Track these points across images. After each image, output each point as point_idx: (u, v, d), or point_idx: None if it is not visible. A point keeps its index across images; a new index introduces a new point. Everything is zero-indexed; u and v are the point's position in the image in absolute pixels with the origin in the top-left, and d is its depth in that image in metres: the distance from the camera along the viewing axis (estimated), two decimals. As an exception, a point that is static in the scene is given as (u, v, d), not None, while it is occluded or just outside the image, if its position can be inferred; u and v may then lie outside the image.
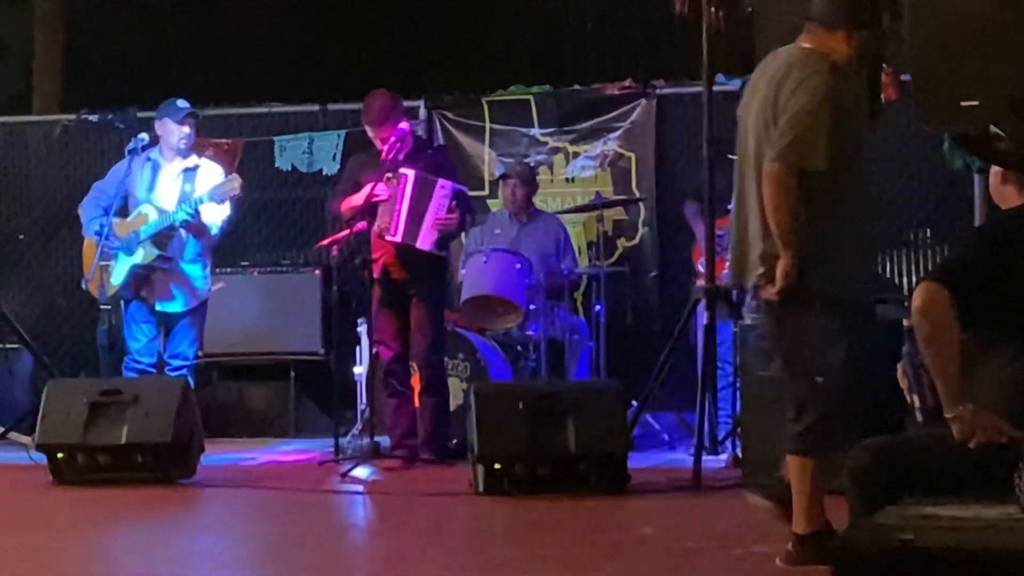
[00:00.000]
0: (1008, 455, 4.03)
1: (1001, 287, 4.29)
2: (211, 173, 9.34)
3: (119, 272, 9.19)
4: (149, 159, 9.33)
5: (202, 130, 11.68)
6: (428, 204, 8.71)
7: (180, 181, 9.26)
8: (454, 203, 8.77)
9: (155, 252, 9.15)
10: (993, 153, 4.56)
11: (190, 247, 9.25)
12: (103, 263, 9.15)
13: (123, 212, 9.31)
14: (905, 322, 4.38)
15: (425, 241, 8.71)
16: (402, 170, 8.77)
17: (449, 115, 11.41)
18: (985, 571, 3.43)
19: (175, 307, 9.27)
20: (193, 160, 9.40)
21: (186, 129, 9.33)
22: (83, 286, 9.55)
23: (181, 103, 9.36)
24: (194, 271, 9.31)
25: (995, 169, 4.57)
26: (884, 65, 8.35)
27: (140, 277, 9.21)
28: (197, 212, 9.03)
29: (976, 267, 4.34)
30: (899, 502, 4.10)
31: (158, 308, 9.26)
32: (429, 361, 8.90)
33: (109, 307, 9.30)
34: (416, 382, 8.97)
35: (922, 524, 3.77)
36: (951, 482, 4.21)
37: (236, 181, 9.06)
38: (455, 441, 8.89)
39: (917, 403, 4.41)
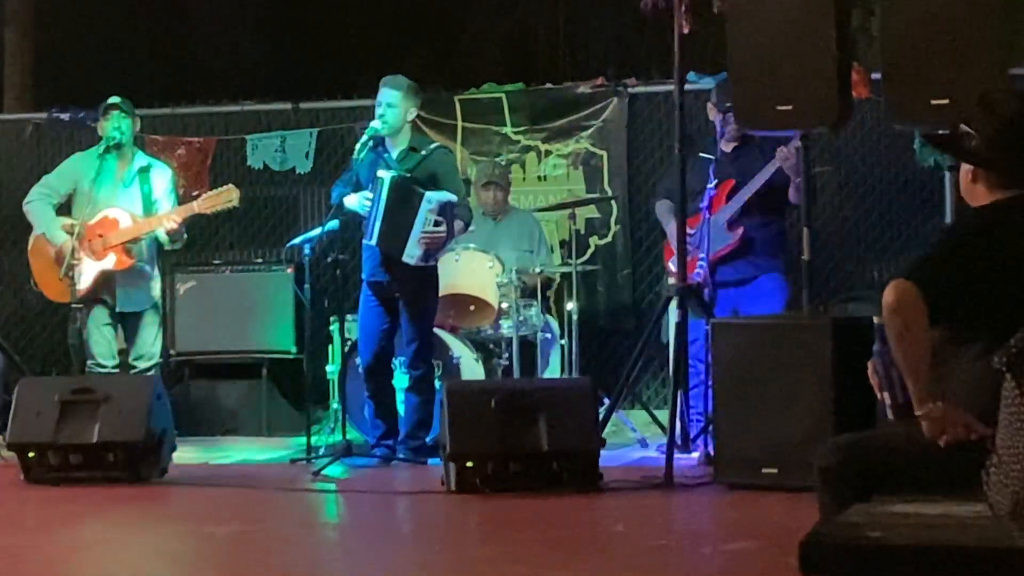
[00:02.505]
0: (977, 453, 4.04)
1: (970, 284, 4.30)
2: (162, 173, 9.38)
3: (87, 276, 9.17)
4: (100, 158, 9.29)
5: (174, 128, 11.72)
6: (413, 217, 8.65)
7: (137, 183, 9.25)
8: (441, 215, 8.72)
9: (128, 259, 9.15)
10: (963, 151, 4.55)
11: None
12: (73, 262, 9.14)
13: (64, 209, 9.34)
14: (875, 319, 4.37)
15: (410, 256, 8.66)
16: (379, 173, 8.74)
17: (421, 113, 11.36)
18: (953, 569, 3.44)
19: (135, 306, 9.27)
20: (143, 159, 9.39)
21: (110, 123, 9.28)
22: (33, 286, 9.55)
23: (112, 99, 9.34)
24: (149, 270, 9.34)
25: (965, 168, 4.57)
26: (855, 63, 8.39)
27: (103, 281, 9.20)
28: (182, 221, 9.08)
29: (947, 264, 4.35)
30: (868, 500, 4.12)
31: (119, 309, 9.25)
32: (414, 363, 8.89)
33: (80, 306, 9.29)
34: (399, 381, 8.99)
35: (891, 522, 3.78)
36: (921, 480, 4.22)
37: (234, 193, 9.06)
38: (429, 439, 8.89)
39: (887, 400, 4.42)
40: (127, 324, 9.39)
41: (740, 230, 8.93)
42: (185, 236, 9.32)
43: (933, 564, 3.45)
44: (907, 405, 4.33)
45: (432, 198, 8.66)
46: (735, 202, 8.95)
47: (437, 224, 8.67)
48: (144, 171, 9.30)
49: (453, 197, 8.79)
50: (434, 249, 8.77)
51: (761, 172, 8.82)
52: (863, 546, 3.52)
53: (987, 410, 4.04)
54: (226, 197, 9.05)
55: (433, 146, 9.22)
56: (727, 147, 9.09)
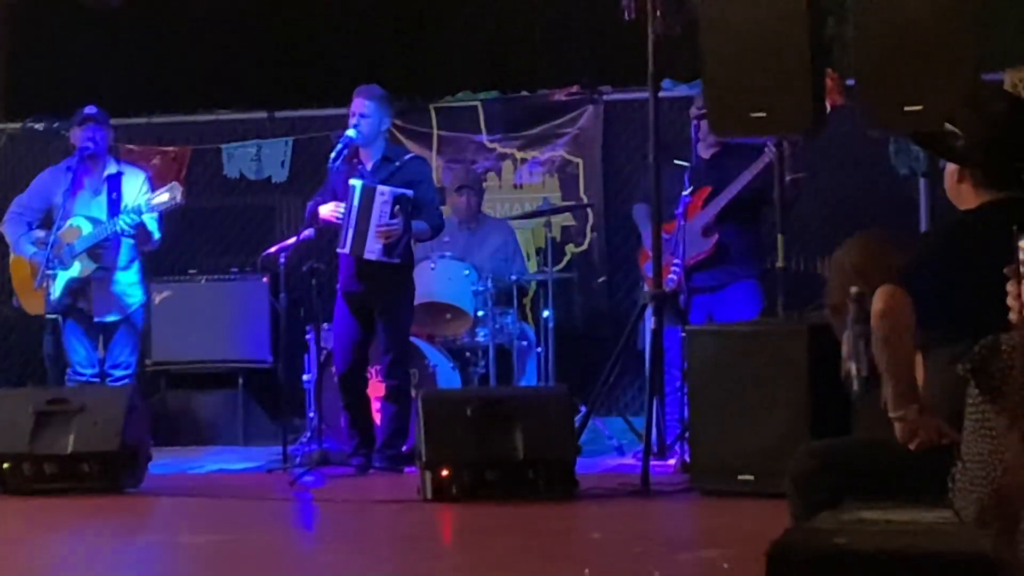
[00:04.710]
0: (948, 459, 4.05)
1: (951, 290, 4.29)
2: (134, 178, 9.34)
3: (56, 286, 9.16)
4: (71, 170, 9.29)
5: (149, 138, 11.68)
6: (371, 213, 8.67)
7: (104, 189, 9.24)
8: (396, 207, 8.70)
9: (93, 265, 9.12)
10: (949, 150, 4.49)
11: (124, 254, 9.23)
12: (48, 272, 9.13)
13: (45, 224, 9.32)
14: (853, 290, 4.33)
15: (372, 251, 8.67)
16: (351, 181, 8.74)
17: (397, 122, 11.37)
18: (918, 575, 3.44)
19: (112, 316, 9.25)
20: (114, 167, 9.37)
21: (84, 133, 9.27)
22: (14, 304, 9.53)
23: (87, 109, 9.33)
24: (127, 278, 9.31)
25: (950, 169, 4.51)
26: (829, 70, 8.40)
27: (76, 290, 9.17)
28: (141, 222, 9.01)
29: (933, 270, 4.34)
30: (838, 506, 4.12)
31: (96, 319, 9.22)
32: (390, 373, 8.87)
33: (55, 317, 9.26)
34: (376, 391, 8.98)
35: (857, 528, 3.79)
36: (893, 486, 4.22)
37: (177, 191, 9.02)
38: (405, 448, 8.88)
39: (854, 371, 4.39)
40: (105, 332, 9.36)
41: (715, 237, 8.95)
42: (157, 239, 9.28)
43: (898, 570, 3.45)
44: (872, 377, 4.30)
45: (385, 191, 8.66)
46: (711, 208, 8.97)
47: (393, 216, 8.65)
48: (113, 178, 9.27)
49: (409, 192, 8.76)
50: (393, 242, 8.71)
51: (747, 171, 8.82)
52: (827, 552, 3.52)
53: (957, 415, 4.04)
54: (169, 195, 9.01)
55: (407, 156, 9.24)
56: (706, 153, 9.10)
